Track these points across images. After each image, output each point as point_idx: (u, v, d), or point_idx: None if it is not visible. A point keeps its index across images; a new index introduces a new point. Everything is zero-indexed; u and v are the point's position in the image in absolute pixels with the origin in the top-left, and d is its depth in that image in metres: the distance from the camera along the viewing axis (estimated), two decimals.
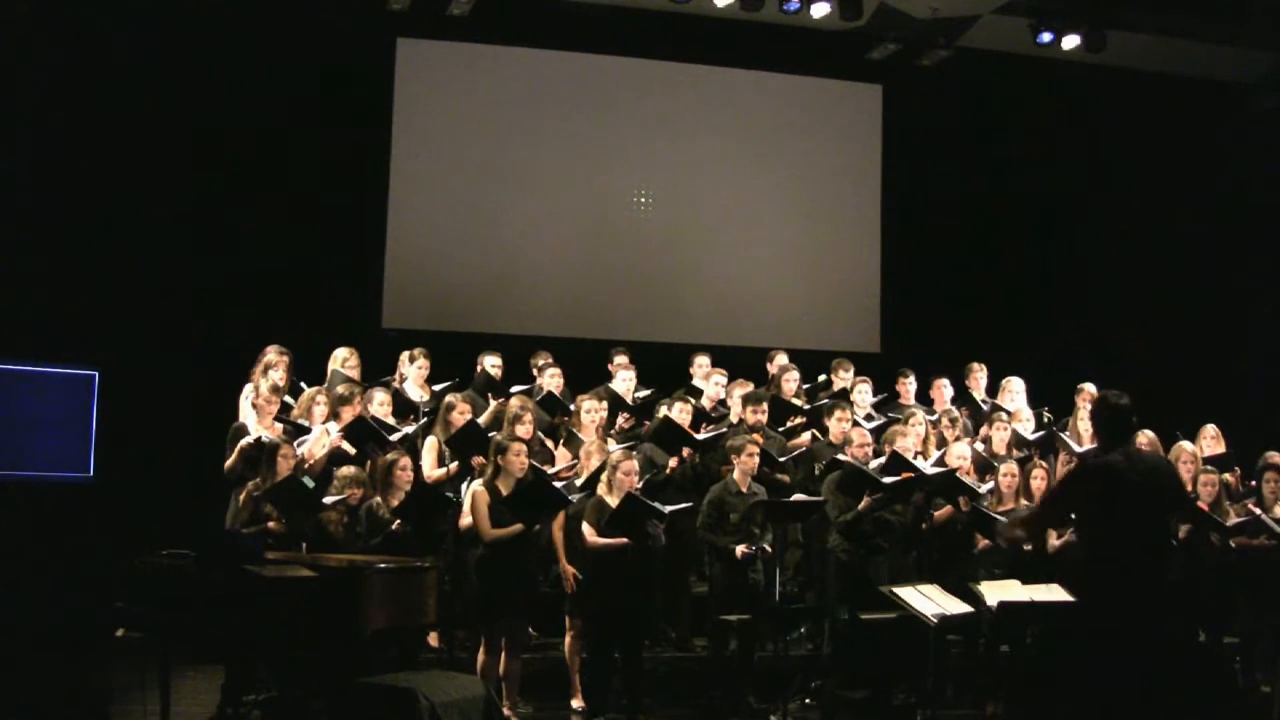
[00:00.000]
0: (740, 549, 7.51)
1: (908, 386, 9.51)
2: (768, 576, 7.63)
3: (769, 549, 7.59)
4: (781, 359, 9.59)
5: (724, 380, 9.06)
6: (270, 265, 9.98)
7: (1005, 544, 7.66)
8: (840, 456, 8.06)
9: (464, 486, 7.63)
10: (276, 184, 10.13)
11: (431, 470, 7.86)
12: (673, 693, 7.79)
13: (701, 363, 9.35)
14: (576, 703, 7.46)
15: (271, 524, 6.87)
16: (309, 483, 7.02)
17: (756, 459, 7.73)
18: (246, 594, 5.77)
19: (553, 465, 7.96)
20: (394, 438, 7.60)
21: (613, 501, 7.22)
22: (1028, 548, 7.84)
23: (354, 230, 10.55)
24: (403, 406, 8.20)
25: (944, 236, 11.93)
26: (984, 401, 9.49)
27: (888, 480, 7.67)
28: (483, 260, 10.97)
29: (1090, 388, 8.94)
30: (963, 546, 8.01)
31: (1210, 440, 8.81)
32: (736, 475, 7.70)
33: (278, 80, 10.07)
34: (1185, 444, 8.48)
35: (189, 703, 6.85)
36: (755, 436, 8.07)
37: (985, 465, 8.39)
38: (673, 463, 8.20)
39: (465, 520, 7.17)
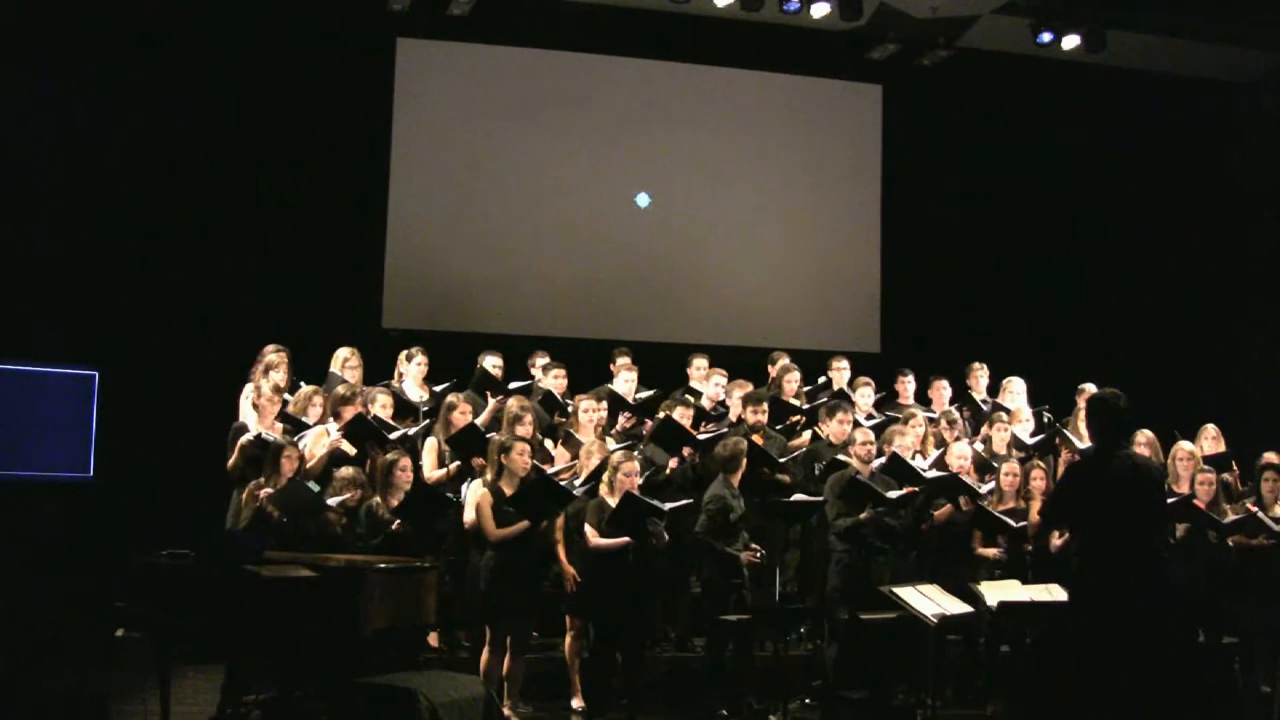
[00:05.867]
0: (746, 555, 7.50)
1: (906, 386, 9.51)
2: (765, 577, 7.63)
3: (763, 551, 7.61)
4: (784, 360, 9.59)
5: (724, 380, 9.06)
6: (270, 265, 9.98)
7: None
8: (841, 457, 8.06)
9: (464, 487, 7.63)
10: (276, 184, 10.13)
11: (432, 471, 7.86)
12: (673, 693, 7.79)
13: (700, 365, 9.34)
14: (576, 703, 7.46)
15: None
16: (314, 486, 7.03)
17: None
18: (246, 594, 5.77)
19: (552, 465, 7.95)
20: (393, 436, 7.60)
21: (614, 502, 7.22)
22: (1028, 548, 7.88)
23: (354, 230, 10.55)
24: (403, 408, 8.20)
25: (944, 236, 11.93)
26: (984, 401, 9.49)
27: (892, 495, 7.67)
28: (483, 260, 10.97)
29: (1091, 387, 8.93)
30: (963, 547, 8.01)
31: (1210, 440, 8.81)
32: (735, 480, 7.68)
33: (278, 80, 10.07)
34: (1184, 444, 8.48)
35: (189, 703, 6.85)
36: (756, 438, 8.07)
37: (985, 465, 8.40)
38: (673, 463, 8.20)
39: (470, 517, 7.17)
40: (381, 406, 7.89)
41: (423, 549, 7.01)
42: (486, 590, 7.08)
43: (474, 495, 7.19)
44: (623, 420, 8.60)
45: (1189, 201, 11.96)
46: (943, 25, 11.07)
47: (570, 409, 8.43)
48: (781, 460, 8.24)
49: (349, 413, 7.60)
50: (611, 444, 8.02)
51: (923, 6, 10.72)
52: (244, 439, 7.44)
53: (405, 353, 8.60)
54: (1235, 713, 7.53)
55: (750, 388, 8.97)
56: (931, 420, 8.90)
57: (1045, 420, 9.35)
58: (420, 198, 10.88)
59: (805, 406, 9.06)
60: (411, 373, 8.50)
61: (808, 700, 7.85)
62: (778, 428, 8.72)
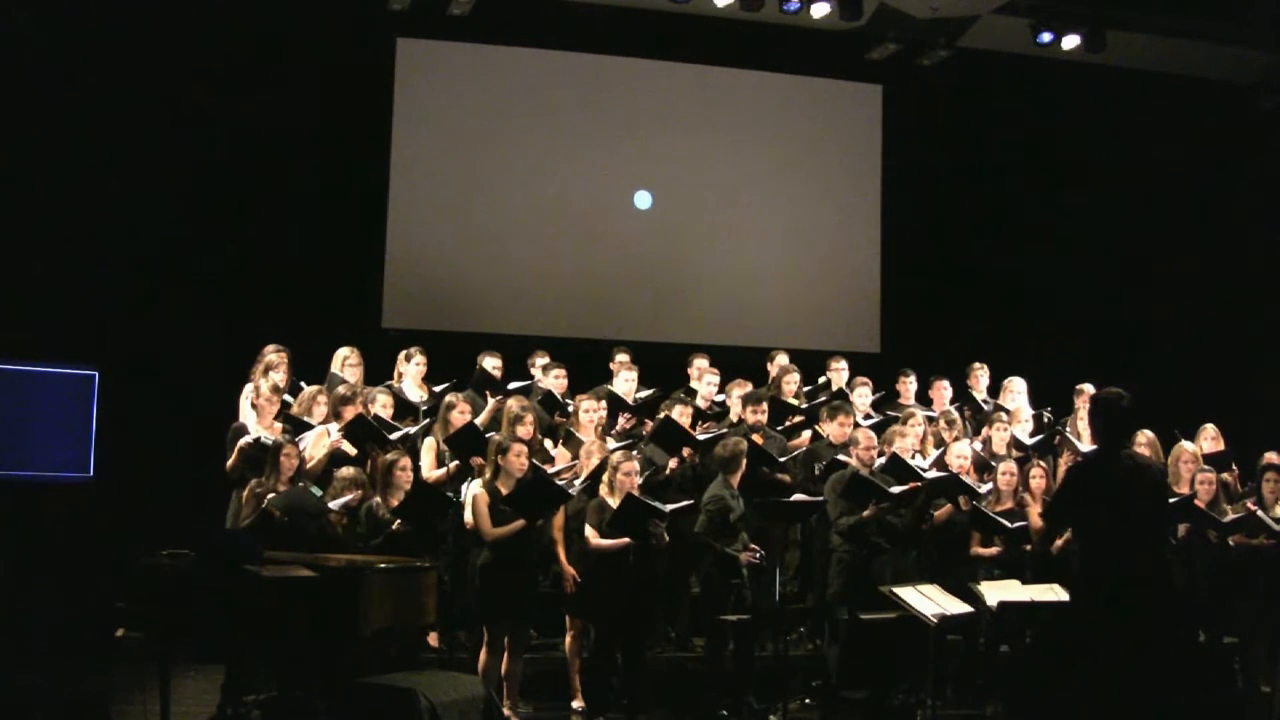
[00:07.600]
0: (745, 556, 7.49)
1: (908, 386, 9.51)
2: (765, 577, 7.63)
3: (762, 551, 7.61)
4: (782, 359, 9.59)
5: (716, 380, 9.06)
6: (270, 265, 9.98)
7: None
8: (841, 457, 8.06)
9: (464, 487, 7.63)
10: (276, 184, 10.13)
11: (430, 470, 7.86)
12: (673, 693, 7.79)
13: (700, 365, 9.35)
14: (576, 703, 7.46)
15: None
16: (316, 491, 7.04)
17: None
18: (246, 594, 5.77)
19: (552, 465, 7.96)
20: (394, 437, 7.60)
21: (614, 502, 7.22)
22: (1027, 548, 7.88)
23: (354, 230, 10.55)
24: (403, 408, 8.20)
25: (944, 236, 11.93)
26: (985, 401, 9.49)
27: (895, 490, 7.67)
28: (483, 260, 10.97)
29: (1089, 388, 8.94)
30: (963, 546, 8.01)
31: (1210, 440, 8.81)
32: (734, 480, 7.68)
33: (278, 80, 10.07)
34: (1185, 444, 8.49)
35: (189, 703, 6.87)
36: (756, 438, 8.06)
37: (985, 465, 8.39)
38: (672, 463, 8.20)
39: (470, 518, 7.18)
40: (382, 406, 7.90)
41: (423, 549, 7.01)
42: (481, 590, 7.07)
43: (471, 495, 7.19)
44: (623, 420, 8.60)
45: (1188, 201, 11.95)
46: (943, 25, 11.07)
47: (570, 409, 8.43)
48: (781, 460, 8.24)
49: (349, 413, 7.61)
50: (611, 444, 8.02)
51: (923, 6, 10.72)
52: (243, 441, 7.44)
53: (404, 353, 8.60)
54: (1235, 713, 7.52)
55: (749, 388, 8.97)
56: (931, 420, 8.90)
57: (1046, 421, 9.34)
58: (420, 198, 10.88)
59: (804, 406, 9.06)
60: (410, 373, 8.51)
61: (808, 700, 7.86)
62: (778, 428, 8.72)
